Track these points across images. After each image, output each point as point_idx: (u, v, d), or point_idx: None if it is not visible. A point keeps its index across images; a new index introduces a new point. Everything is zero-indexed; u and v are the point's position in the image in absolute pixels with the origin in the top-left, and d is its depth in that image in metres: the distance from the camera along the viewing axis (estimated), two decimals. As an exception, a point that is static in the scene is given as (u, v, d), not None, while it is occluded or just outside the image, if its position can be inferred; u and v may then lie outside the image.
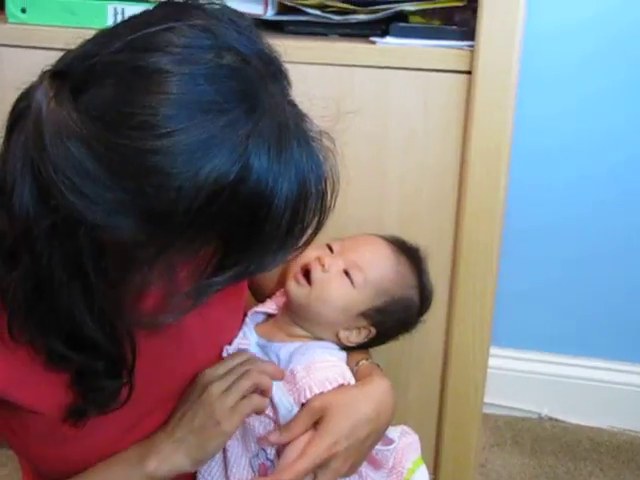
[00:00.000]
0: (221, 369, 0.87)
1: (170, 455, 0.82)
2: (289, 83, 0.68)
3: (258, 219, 0.62)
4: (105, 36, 0.64)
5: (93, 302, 0.67)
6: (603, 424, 1.72)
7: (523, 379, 1.75)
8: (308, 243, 0.70)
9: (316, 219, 0.67)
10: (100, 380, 0.76)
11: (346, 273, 0.93)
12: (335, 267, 0.92)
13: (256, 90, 0.62)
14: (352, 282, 0.92)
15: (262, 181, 0.60)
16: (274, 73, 0.65)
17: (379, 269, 0.95)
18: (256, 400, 0.84)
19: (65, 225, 0.61)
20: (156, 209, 0.59)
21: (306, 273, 0.93)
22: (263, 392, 0.86)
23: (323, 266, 0.92)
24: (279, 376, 0.88)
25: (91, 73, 0.61)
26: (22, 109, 0.62)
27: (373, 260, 0.95)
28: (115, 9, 1.15)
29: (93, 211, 0.59)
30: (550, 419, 1.75)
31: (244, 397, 0.84)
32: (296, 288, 0.92)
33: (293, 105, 0.66)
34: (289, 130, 0.63)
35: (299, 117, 0.66)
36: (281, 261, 0.68)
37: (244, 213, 0.61)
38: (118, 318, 0.70)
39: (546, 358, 1.74)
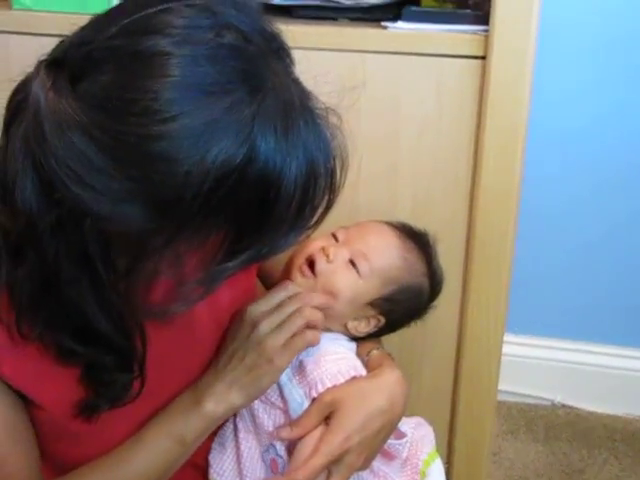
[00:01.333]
0: (267, 305, 0.85)
1: (225, 395, 0.82)
2: (292, 61, 0.66)
3: (268, 201, 0.61)
4: (100, 21, 0.63)
5: (102, 295, 0.66)
6: (618, 411, 1.72)
7: (536, 366, 1.75)
8: (319, 222, 0.69)
9: (326, 198, 0.66)
10: (111, 374, 0.75)
11: (352, 263, 0.91)
12: (340, 257, 0.90)
13: (259, 69, 0.61)
14: (358, 272, 0.90)
15: (270, 162, 0.59)
16: (277, 51, 0.64)
17: (385, 257, 0.93)
18: (309, 336, 0.84)
19: (70, 218, 0.60)
20: (164, 196, 0.59)
21: (311, 264, 0.91)
22: (314, 325, 0.85)
23: (328, 256, 0.90)
24: (327, 304, 0.87)
25: (88, 60, 0.60)
26: (19, 101, 0.61)
27: (379, 248, 0.93)
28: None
29: (99, 202, 0.59)
30: (564, 406, 1.74)
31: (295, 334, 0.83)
32: (301, 280, 0.90)
33: (297, 83, 0.65)
34: (295, 108, 0.62)
35: (304, 95, 0.64)
36: (293, 242, 0.67)
37: (253, 196, 0.60)
38: (128, 310, 0.70)
39: (559, 345, 1.74)
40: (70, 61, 0.60)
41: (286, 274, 0.97)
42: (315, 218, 0.67)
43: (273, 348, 0.81)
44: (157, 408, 0.83)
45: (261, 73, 0.61)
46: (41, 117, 0.58)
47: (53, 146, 0.58)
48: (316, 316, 0.85)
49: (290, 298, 0.86)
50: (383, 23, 1.13)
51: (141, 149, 0.57)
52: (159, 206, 0.59)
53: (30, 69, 0.63)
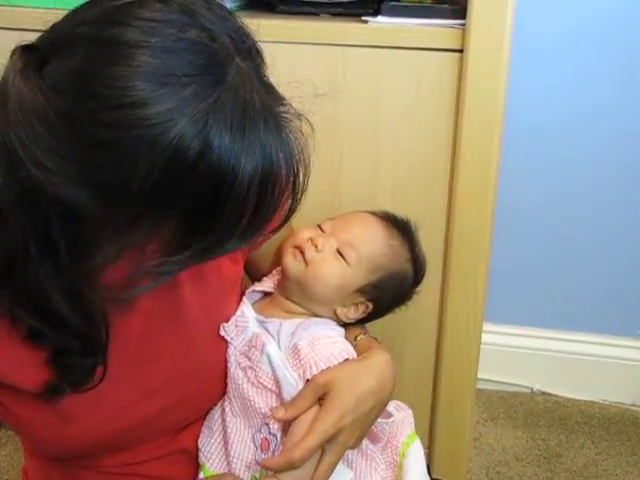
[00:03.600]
0: None
1: None
2: (264, 62, 0.66)
3: (219, 197, 0.60)
4: (75, 11, 0.64)
5: (61, 277, 0.67)
6: (594, 397, 1.75)
7: (515, 354, 1.77)
8: (282, 225, 0.70)
9: (289, 202, 0.67)
10: (74, 358, 0.76)
11: (339, 252, 0.93)
12: (328, 247, 0.93)
13: (219, 66, 0.60)
14: (346, 261, 0.93)
15: (224, 158, 0.59)
16: (246, 51, 0.64)
17: (371, 245, 0.96)
18: None
19: (31, 198, 0.61)
20: (111, 183, 0.59)
21: (300, 254, 0.93)
22: None
23: (316, 246, 0.93)
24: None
25: (56, 45, 0.61)
26: None
27: (365, 237, 0.96)
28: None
29: (53, 183, 0.59)
30: (542, 393, 1.77)
31: None
32: (293, 262, 0.93)
33: (265, 84, 0.65)
34: (256, 109, 0.61)
35: (270, 96, 0.64)
36: (249, 243, 0.67)
37: (204, 190, 0.60)
38: (86, 293, 0.69)
39: (537, 333, 1.76)
40: (42, 46, 0.62)
41: (277, 264, 1.00)
42: (271, 219, 0.66)
43: None
44: (139, 397, 0.84)
45: (221, 70, 0.60)
46: (7, 97, 0.59)
47: (15, 125, 0.59)
48: None
49: None
50: (363, 18, 1.15)
51: (91, 134, 0.58)
52: (107, 192, 0.59)
53: None
